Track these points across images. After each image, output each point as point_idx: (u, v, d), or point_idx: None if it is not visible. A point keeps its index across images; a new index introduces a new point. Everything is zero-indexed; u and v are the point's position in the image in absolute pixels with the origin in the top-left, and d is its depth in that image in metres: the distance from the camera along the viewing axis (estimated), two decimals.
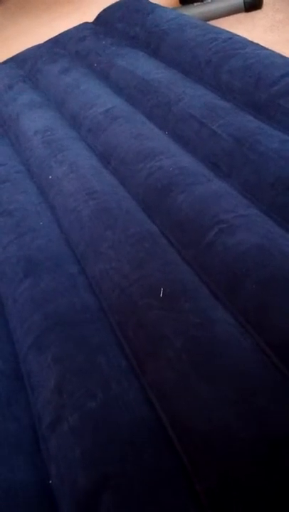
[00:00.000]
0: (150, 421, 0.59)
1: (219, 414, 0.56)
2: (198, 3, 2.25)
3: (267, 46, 1.19)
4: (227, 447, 0.54)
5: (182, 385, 0.60)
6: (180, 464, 0.55)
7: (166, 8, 1.57)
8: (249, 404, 0.56)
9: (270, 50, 1.18)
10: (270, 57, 1.13)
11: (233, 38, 1.25)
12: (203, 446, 0.55)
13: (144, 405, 0.61)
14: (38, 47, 1.78)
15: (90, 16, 1.85)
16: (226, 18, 2.23)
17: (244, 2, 2.17)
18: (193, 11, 2.19)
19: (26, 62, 1.70)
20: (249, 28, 2.12)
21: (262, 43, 1.21)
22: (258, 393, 0.57)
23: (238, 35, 1.28)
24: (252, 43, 1.23)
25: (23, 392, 0.72)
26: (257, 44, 1.22)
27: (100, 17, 1.78)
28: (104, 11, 1.77)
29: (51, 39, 1.80)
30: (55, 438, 0.62)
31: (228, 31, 1.32)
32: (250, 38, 1.24)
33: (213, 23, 2.08)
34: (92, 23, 1.79)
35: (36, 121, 1.32)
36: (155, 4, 1.59)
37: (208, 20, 2.13)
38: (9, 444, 0.66)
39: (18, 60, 1.77)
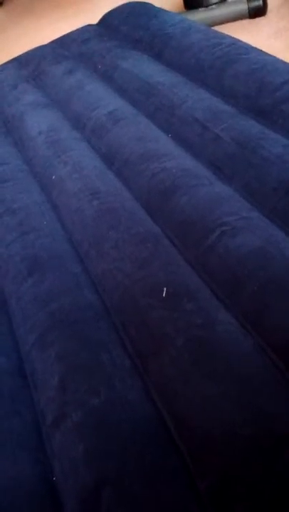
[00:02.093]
0: (152, 418, 0.60)
1: (220, 412, 0.57)
2: (203, 9, 2.27)
3: (271, 53, 1.20)
4: (228, 445, 0.55)
5: (184, 383, 0.61)
6: (182, 461, 0.56)
7: (170, 12, 1.59)
8: (250, 403, 0.57)
9: (274, 57, 1.19)
10: (273, 63, 1.15)
11: (236, 44, 1.26)
12: (205, 444, 0.56)
13: (147, 403, 0.62)
14: (42, 48, 1.79)
15: (93, 19, 1.87)
16: (230, 24, 2.24)
17: (248, 8, 2.19)
18: (198, 16, 2.21)
19: (30, 63, 1.71)
20: (253, 34, 2.13)
21: (266, 50, 1.22)
22: (259, 392, 0.58)
23: (242, 41, 1.29)
24: (255, 48, 1.25)
25: (26, 390, 0.72)
26: (260, 50, 1.24)
27: (104, 19, 1.79)
28: (109, 13, 1.78)
29: (55, 40, 1.82)
30: (58, 434, 0.63)
31: (231, 37, 1.34)
32: (254, 45, 1.25)
33: (218, 28, 2.10)
34: (96, 25, 1.81)
35: (40, 121, 1.33)
36: (160, 8, 1.61)
37: (213, 25, 2.14)
38: (13, 440, 0.67)
39: (21, 61, 1.78)
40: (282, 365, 0.61)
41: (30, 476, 0.64)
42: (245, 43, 1.28)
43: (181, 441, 0.58)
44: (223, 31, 1.41)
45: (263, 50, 1.24)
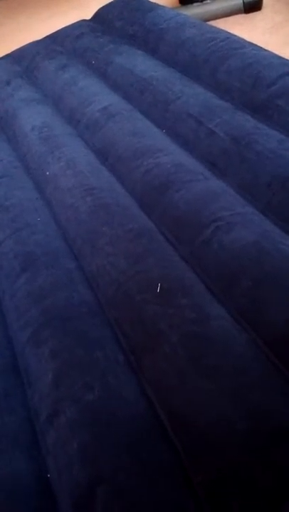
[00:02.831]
0: (147, 414, 0.60)
1: (215, 407, 0.57)
2: (198, 4, 2.26)
3: (266, 47, 1.19)
4: (223, 440, 0.55)
5: (178, 379, 0.61)
6: (177, 456, 0.56)
7: (165, 7, 1.58)
8: (245, 398, 0.57)
9: (268, 51, 1.19)
10: (267, 57, 1.14)
11: (230, 38, 1.26)
12: (200, 439, 0.56)
13: (142, 399, 0.62)
14: (36, 43, 1.77)
15: (88, 14, 1.85)
16: (225, 19, 2.24)
17: (243, 3, 2.19)
18: (193, 11, 2.20)
19: (24, 59, 1.70)
20: (248, 29, 2.13)
21: (261, 45, 1.21)
22: (253, 386, 0.58)
23: (236, 36, 1.29)
24: (250, 43, 1.24)
25: (20, 387, 0.72)
26: (255, 44, 1.23)
27: (98, 15, 1.78)
28: (103, 8, 1.77)
29: (49, 36, 1.80)
30: (52, 431, 0.62)
31: (226, 31, 1.33)
32: (249, 39, 1.25)
33: (213, 23, 2.09)
34: (90, 20, 1.79)
35: (33, 117, 1.32)
36: (154, 3, 1.60)
37: (208, 20, 2.14)
38: (7, 438, 0.67)
39: (15, 57, 1.76)
40: (277, 360, 0.61)
41: (24, 473, 0.63)
42: (239, 38, 1.27)
43: (175, 437, 0.58)
44: (218, 26, 1.40)
45: (259, 45, 1.23)
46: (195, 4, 2.27)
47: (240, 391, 0.58)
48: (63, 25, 1.79)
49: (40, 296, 0.80)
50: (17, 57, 1.74)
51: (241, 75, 1.11)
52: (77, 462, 0.58)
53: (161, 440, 0.58)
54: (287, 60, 1.13)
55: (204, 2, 2.25)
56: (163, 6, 1.57)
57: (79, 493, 0.57)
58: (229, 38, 1.26)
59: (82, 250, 0.87)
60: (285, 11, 2.19)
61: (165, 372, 0.62)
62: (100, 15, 1.75)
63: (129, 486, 0.55)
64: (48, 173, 1.09)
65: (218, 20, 2.22)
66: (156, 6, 1.57)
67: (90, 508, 0.55)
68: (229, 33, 1.31)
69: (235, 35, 1.29)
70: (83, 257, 0.86)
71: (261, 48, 1.22)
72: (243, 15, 2.24)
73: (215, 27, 1.37)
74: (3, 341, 0.80)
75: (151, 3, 1.60)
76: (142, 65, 1.31)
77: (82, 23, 1.76)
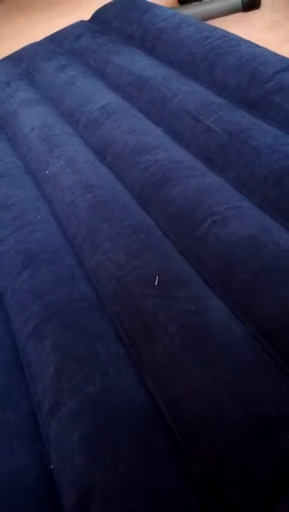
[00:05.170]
0: (147, 404, 0.61)
1: (213, 396, 0.58)
2: (197, 3, 2.26)
3: (265, 45, 1.20)
4: (221, 429, 0.56)
5: (177, 369, 0.62)
6: (176, 445, 0.57)
7: (162, 6, 1.59)
8: (242, 387, 0.58)
9: (264, 48, 1.20)
10: (264, 54, 1.15)
11: (227, 36, 1.27)
12: (198, 428, 0.57)
13: (141, 390, 0.63)
14: (35, 45, 1.79)
15: (87, 15, 1.87)
16: (224, 17, 2.24)
17: (242, 2, 2.19)
18: (192, 10, 2.21)
19: (23, 60, 1.72)
20: (247, 27, 2.13)
21: (260, 43, 1.22)
22: (250, 376, 0.59)
23: (233, 33, 1.30)
24: (246, 40, 1.25)
25: (23, 381, 0.73)
26: (251, 42, 1.24)
27: (96, 15, 1.79)
28: (101, 9, 1.78)
29: (48, 37, 1.82)
30: (54, 423, 0.63)
31: (222, 29, 1.34)
32: (248, 38, 1.25)
33: (211, 22, 2.10)
34: (89, 21, 1.81)
35: (33, 117, 1.34)
36: (151, 3, 1.61)
37: (206, 19, 2.14)
38: (10, 431, 0.68)
39: (14, 58, 1.78)
40: (273, 351, 0.62)
41: (27, 465, 0.64)
42: (236, 36, 1.28)
43: (175, 426, 0.59)
44: (216, 25, 1.41)
45: (258, 43, 1.24)
46: (194, 4, 2.28)
47: (237, 380, 0.59)
48: (63, 27, 1.80)
49: (42, 292, 0.82)
50: (16, 58, 1.76)
51: (238, 72, 1.12)
52: (79, 452, 0.59)
53: (161, 429, 0.59)
54: (283, 56, 1.14)
55: (203, 1, 2.26)
56: (160, 6, 1.59)
57: (81, 483, 0.58)
58: (226, 35, 1.27)
59: (82, 247, 0.88)
60: (283, 9, 2.19)
61: (164, 363, 0.64)
62: (98, 15, 1.77)
63: (130, 474, 0.56)
64: (47, 171, 1.11)
65: (217, 19, 2.23)
66: (154, 5, 1.58)
67: (92, 496, 0.56)
68: (225, 31, 1.32)
69: (231, 33, 1.30)
70: (83, 254, 0.87)
71: (257, 45, 1.23)
72: (242, 13, 2.25)
73: (211, 25, 1.38)
74: (6, 337, 0.81)
75: (149, 3, 1.62)
76: (140, 64, 1.33)
77: (80, 23, 1.78)
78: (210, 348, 0.63)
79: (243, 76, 1.10)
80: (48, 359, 0.71)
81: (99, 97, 1.27)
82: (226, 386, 0.59)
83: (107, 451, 0.59)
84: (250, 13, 2.24)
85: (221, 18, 2.24)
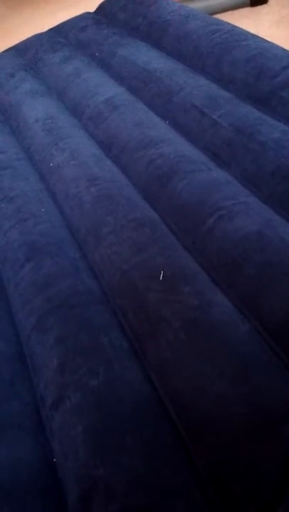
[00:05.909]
0: (150, 398, 0.61)
1: (216, 391, 0.58)
2: None
3: (272, 41, 1.19)
4: (225, 424, 0.56)
5: (180, 363, 0.62)
6: (180, 440, 0.57)
7: (169, 0, 1.57)
8: (246, 381, 0.57)
9: (272, 43, 1.19)
10: (272, 49, 1.14)
11: (235, 30, 1.26)
12: (202, 423, 0.57)
13: (145, 384, 0.63)
14: (40, 36, 1.77)
15: (93, 7, 1.85)
16: (231, 12, 2.22)
17: None
18: (199, 4, 2.19)
19: (27, 51, 1.70)
20: (255, 22, 2.11)
21: (267, 38, 1.21)
22: (254, 371, 0.59)
23: (240, 28, 1.28)
24: (254, 35, 1.24)
25: (26, 373, 0.73)
26: (258, 37, 1.23)
27: (102, 7, 1.78)
28: (106, 1, 1.77)
29: (52, 28, 1.80)
30: (58, 416, 0.63)
31: (229, 23, 1.32)
32: (255, 33, 1.24)
33: (219, 17, 2.08)
34: (94, 13, 1.79)
35: (37, 109, 1.32)
36: None
37: (214, 14, 2.12)
38: (13, 423, 0.68)
39: (19, 49, 1.77)
40: (278, 347, 0.62)
41: (30, 458, 0.64)
42: (243, 30, 1.27)
43: (178, 420, 0.59)
44: (224, 20, 1.39)
45: (265, 38, 1.22)
46: None
47: (241, 375, 0.58)
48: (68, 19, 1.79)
49: (45, 284, 0.81)
50: (21, 49, 1.74)
51: (245, 66, 1.11)
52: (82, 445, 0.59)
53: (165, 424, 0.59)
54: None
55: None
56: None
57: (84, 475, 0.58)
58: (233, 29, 1.26)
59: (86, 240, 0.88)
60: None
61: (168, 358, 0.63)
62: (104, 7, 1.75)
63: (133, 468, 0.56)
64: (52, 164, 1.10)
65: (224, 14, 2.21)
66: None
67: (95, 489, 0.56)
68: (233, 25, 1.31)
69: (239, 27, 1.29)
70: (87, 247, 0.87)
71: (265, 39, 1.21)
72: (249, 8, 2.22)
73: (218, 19, 1.37)
74: (9, 329, 0.81)
75: None
76: (146, 56, 1.31)
77: (85, 15, 1.76)
78: (214, 343, 0.62)
79: (251, 71, 1.09)
80: (51, 352, 0.70)
81: (104, 89, 1.26)
82: (230, 381, 0.59)
83: (110, 444, 0.58)
84: (258, 8, 2.22)
85: (228, 13, 2.22)
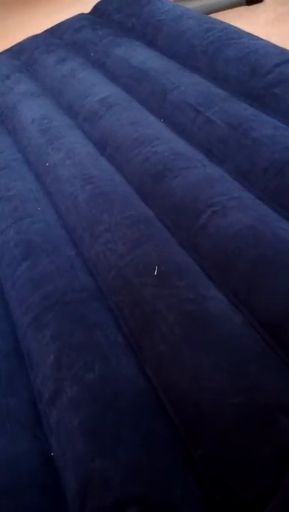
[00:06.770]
0: (146, 391, 0.61)
1: (211, 383, 0.58)
2: None
3: (269, 39, 1.20)
4: (220, 415, 0.56)
5: (175, 356, 0.62)
6: (176, 431, 0.58)
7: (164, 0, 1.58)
8: (240, 373, 0.58)
9: (266, 41, 1.19)
10: (265, 47, 1.15)
11: (228, 29, 1.26)
12: (198, 415, 0.57)
13: (141, 377, 0.63)
14: (35, 37, 1.78)
15: (88, 9, 1.86)
16: (227, 11, 2.22)
17: None
18: (194, 3, 2.19)
19: (23, 53, 1.71)
20: (251, 21, 2.11)
21: (264, 36, 1.22)
22: (249, 363, 0.59)
23: (234, 26, 1.29)
24: (247, 33, 1.25)
25: (23, 370, 0.74)
26: (252, 35, 1.24)
27: (96, 8, 1.79)
28: (101, 2, 1.78)
29: (48, 30, 1.81)
30: (55, 411, 0.64)
31: (223, 22, 1.33)
32: (251, 32, 1.25)
33: (215, 16, 2.09)
34: (89, 14, 1.80)
35: (33, 110, 1.33)
36: None
37: (210, 13, 2.13)
38: (10, 419, 0.68)
39: (15, 51, 1.78)
40: (271, 340, 0.62)
41: (28, 453, 0.65)
42: (237, 28, 1.28)
43: (174, 413, 0.59)
44: (220, 19, 1.40)
45: (262, 37, 1.23)
46: None
47: (235, 368, 0.59)
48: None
49: (41, 282, 0.82)
50: (16, 51, 1.75)
51: (239, 64, 1.12)
52: (79, 438, 0.60)
53: (161, 416, 0.59)
54: (283, 49, 1.14)
55: None
56: None
57: (82, 469, 0.58)
58: (227, 28, 1.27)
59: (82, 237, 0.88)
60: (287, 3, 2.17)
61: (162, 352, 0.64)
62: (99, 8, 1.76)
63: (130, 460, 0.57)
64: (47, 163, 1.10)
65: (220, 13, 2.21)
66: None
67: (93, 482, 0.57)
68: (226, 23, 1.32)
69: (232, 26, 1.29)
70: (83, 244, 0.87)
71: (259, 37, 1.22)
72: (246, 7, 2.23)
73: (212, 18, 1.38)
74: (6, 326, 0.82)
75: None
76: (140, 56, 1.32)
77: (80, 16, 1.77)
78: (209, 337, 0.63)
79: (244, 68, 1.10)
80: (47, 348, 0.71)
81: (99, 89, 1.27)
82: (224, 374, 0.59)
83: (107, 437, 0.59)
84: (254, 6, 2.22)
85: (224, 12, 2.22)
